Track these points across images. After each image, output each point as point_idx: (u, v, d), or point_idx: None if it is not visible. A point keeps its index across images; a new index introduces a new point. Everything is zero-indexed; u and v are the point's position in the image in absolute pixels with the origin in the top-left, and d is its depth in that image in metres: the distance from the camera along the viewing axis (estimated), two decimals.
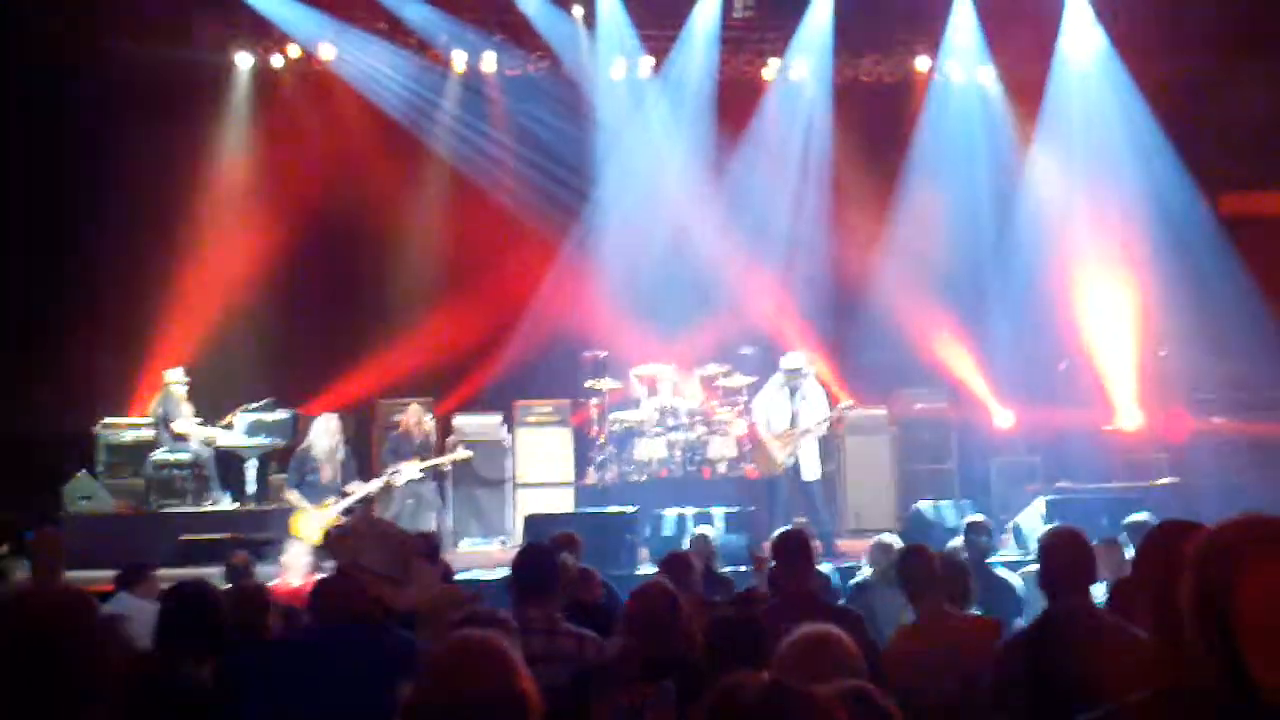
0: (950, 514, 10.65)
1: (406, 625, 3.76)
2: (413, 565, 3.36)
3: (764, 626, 3.79)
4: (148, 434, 11.93)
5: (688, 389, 12.96)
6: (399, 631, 3.42)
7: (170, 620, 3.94)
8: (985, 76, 14.66)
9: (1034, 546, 9.19)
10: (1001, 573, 7.18)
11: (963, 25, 14.04)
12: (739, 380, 12.79)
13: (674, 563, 6.16)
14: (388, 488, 11.21)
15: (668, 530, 10.45)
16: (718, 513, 10.57)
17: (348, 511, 10.61)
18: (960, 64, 14.44)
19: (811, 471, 11.04)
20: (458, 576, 8.10)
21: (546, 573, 4.73)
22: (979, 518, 7.78)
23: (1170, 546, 2.80)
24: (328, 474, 10.79)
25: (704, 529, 8.66)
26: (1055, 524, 5.04)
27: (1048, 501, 10.40)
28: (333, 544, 3.49)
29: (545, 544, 5.78)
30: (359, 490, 10.85)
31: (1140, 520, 7.16)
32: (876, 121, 14.39)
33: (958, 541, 7.59)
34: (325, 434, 10.85)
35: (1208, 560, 1.94)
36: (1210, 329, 13.28)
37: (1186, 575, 1.96)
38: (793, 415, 11.02)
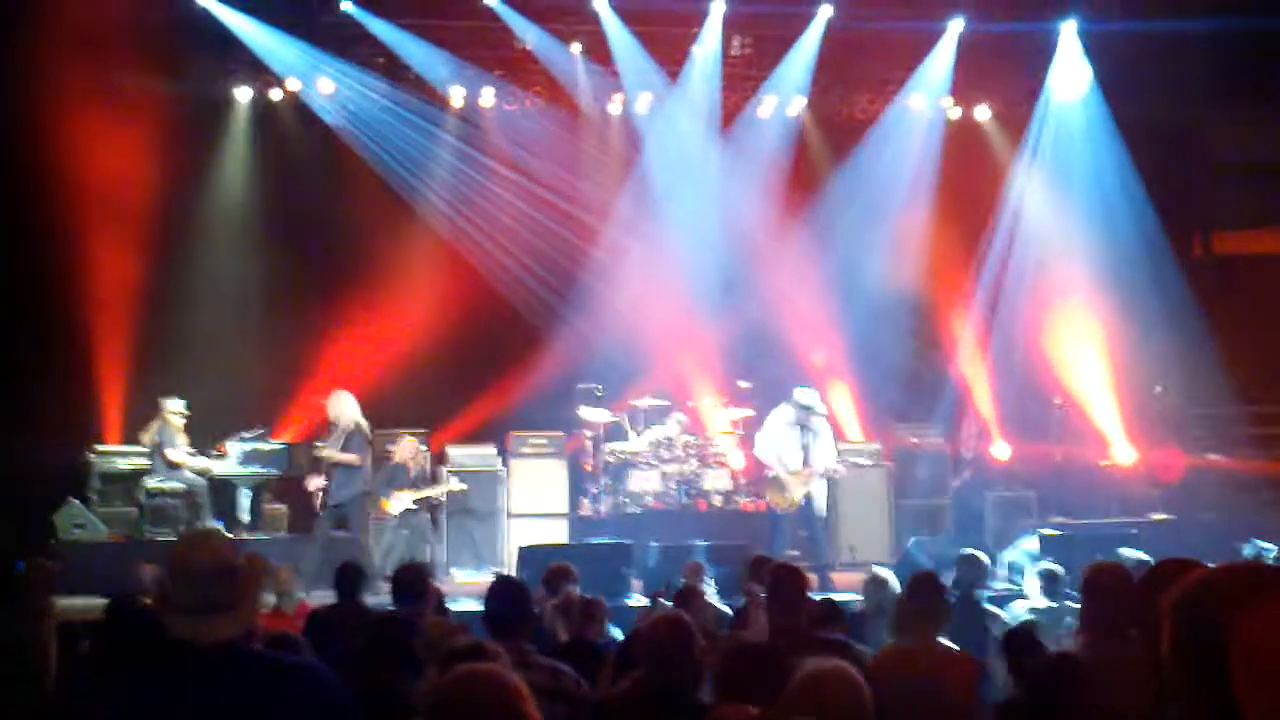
0: (945, 549, 10.63)
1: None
2: (241, 591, 3.04)
3: (774, 658, 3.78)
4: (141, 462, 11.90)
5: (683, 422, 12.96)
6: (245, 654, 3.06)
7: (109, 636, 3.97)
8: (980, 113, 14.76)
9: (1024, 581, 9.27)
10: (989, 607, 7.23)
11: (949, 63, 14.09)
12: (736, 413, 12.80)
13: (684, 596, 6.19)
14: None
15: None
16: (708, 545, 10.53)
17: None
18: (950, 100, 14.54)
19: (823, 506, 11.14)
20: (450, 607, 8.09)
21: (518, 606, 4.75)
22: (971, 552, 7.79)
23: (1168, 586, 2.80)
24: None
25: (698, 560, 8.66)
26: (1101, 560, 4.99)
27: (1042, 537, 10.39)
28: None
29: (515, 578, 5.83)
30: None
31: (1133, 558, 7.16)
32: (869, 156, 14.44)
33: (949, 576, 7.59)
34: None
35: (1200, 603, 1.93)
36: (1204, 367, 13.34)
37: (1172, 618, 1.95)
38: (805, 452, 11.04)
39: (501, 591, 4.90)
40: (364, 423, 11.55)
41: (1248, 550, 8.10)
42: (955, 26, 13.80)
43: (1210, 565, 2.72)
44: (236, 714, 2.93)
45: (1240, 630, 1.82)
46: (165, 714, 2.91)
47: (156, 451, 11.66)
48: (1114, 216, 13.98)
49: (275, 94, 13.62)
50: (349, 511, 11.36)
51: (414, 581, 6.01)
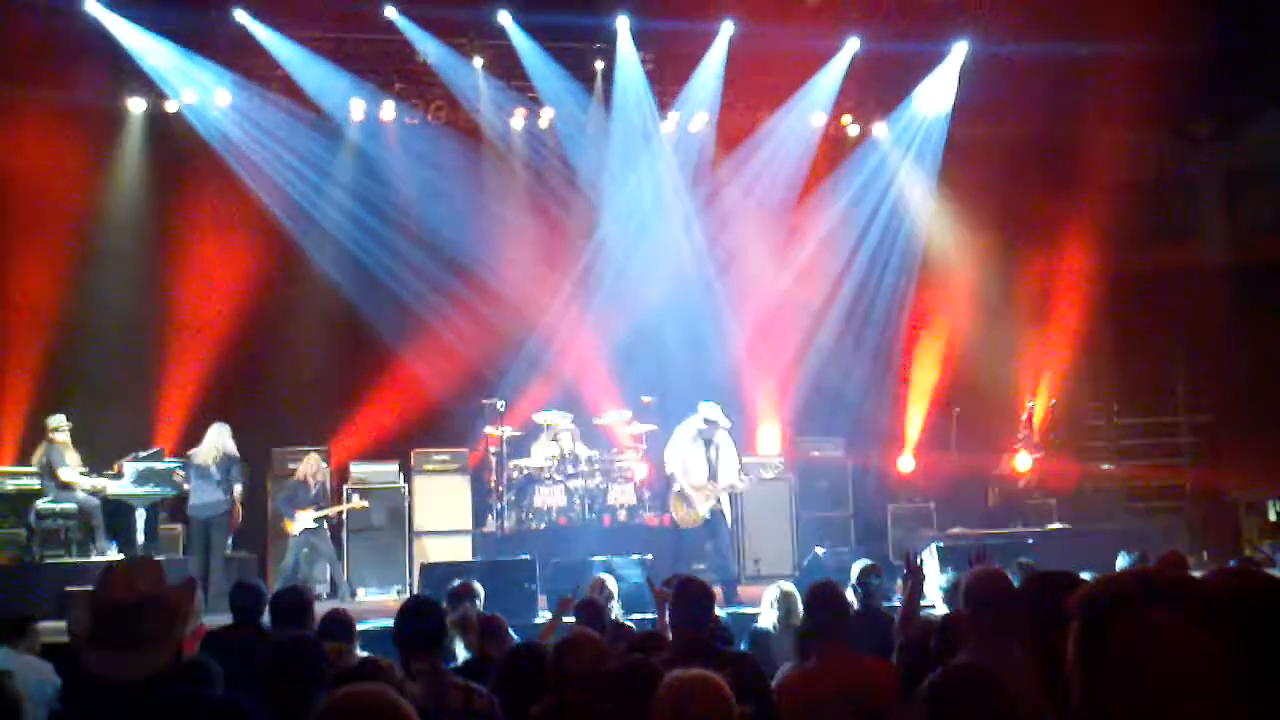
0: (848, 561, 10.72)
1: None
2: (165, 625, 2.90)
3: (658, 675, 3.76)
4: (32, 483, 11.55)
5: (587, 437, 12.93)
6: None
7: None
8: (879, 130, 15.01)
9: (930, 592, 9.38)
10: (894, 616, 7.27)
11: (838, 79, 14.26)
12: (639, 428, 12.80)
13: (585, 610, 6.17)
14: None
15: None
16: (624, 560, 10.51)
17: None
18: (850, 117, 14.81)
19: (729, 518, 11.18)
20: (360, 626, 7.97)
21: (430, 625, 4.69)
22: (869, 562, 7.86)
23: (1042, 596, 2.86)
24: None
25: (603, 575, 8.63)
26: (979, 568, 5.06)
27: (940, 547, 10.54)
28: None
29: (429, 597, 5.77)
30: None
31: (1027, 564, 7.30)
32: (777, 171, 14.58)
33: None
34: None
35: (1089, 610, 2.00)
36: (1100, 379, 13.65)
37: (1073, 624, 2.02)
38: (710, 467, 11.05)
39: (414, 609, 4.84)
40: (209, 454, 11.45)
41: (1123, 560, 8.27)
42: (851, 45, 14.01)
43: (1088, 576, 2.79)
44: None
45: (1115, 635, 1.91)
46: None
47: (46, 472, 11.32)
48: (995, 233, 14.28)
49: (170, 106, 13.33)
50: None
51: (295, 604, 5.88)
